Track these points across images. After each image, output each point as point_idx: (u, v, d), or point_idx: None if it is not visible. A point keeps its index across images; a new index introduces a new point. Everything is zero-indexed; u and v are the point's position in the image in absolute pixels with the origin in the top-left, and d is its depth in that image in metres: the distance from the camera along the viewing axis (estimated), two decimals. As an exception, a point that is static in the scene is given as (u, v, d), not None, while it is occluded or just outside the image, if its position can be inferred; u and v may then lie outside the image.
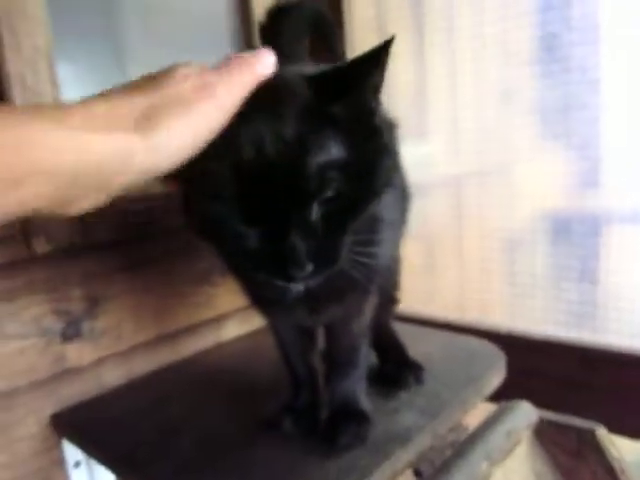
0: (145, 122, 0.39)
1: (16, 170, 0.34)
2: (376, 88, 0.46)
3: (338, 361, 0.68)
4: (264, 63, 0.46)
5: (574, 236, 0.95)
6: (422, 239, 1.18)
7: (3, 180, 0.34)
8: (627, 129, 0.86)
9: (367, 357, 0.70)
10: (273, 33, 0.72)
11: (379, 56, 0.43)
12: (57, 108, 0.39)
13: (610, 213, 0.91)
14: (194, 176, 0.44)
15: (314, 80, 0.45)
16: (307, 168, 0.42)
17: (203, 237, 0.50)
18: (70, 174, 0.36)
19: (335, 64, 0.46)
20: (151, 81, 0.42)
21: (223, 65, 0.44)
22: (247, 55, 0.46)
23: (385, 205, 0.57)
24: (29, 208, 0.36)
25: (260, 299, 0.63)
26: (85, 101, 0.39)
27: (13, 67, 0.72)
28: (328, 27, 0.80)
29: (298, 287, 0.54)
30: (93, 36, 0.89)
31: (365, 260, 0.50)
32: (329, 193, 0.44)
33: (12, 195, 0.34)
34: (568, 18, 0.89)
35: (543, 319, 1.00)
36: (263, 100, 0.44)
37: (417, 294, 1.21)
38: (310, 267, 0.44)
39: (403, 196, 0.76)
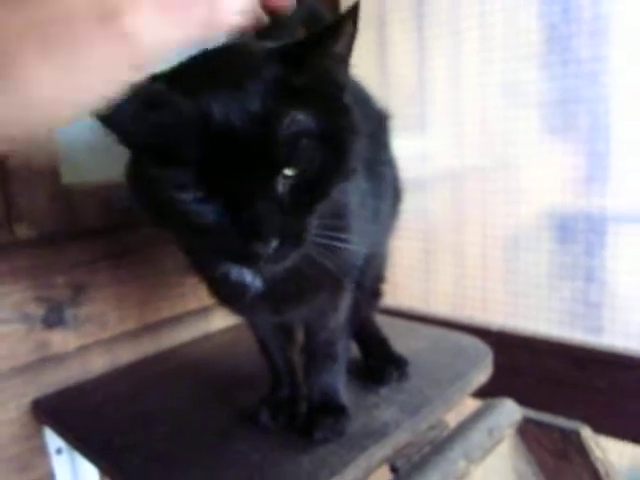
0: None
1: None
2: (342, 59, 0.44)
3: (316, 355, 0.67)
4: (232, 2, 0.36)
5: (578, 234, 0.93)
6: (421, 234, 1.17)
7: None
8: (635, 123, 0.84)
9: (347, 351, 0.70)
10: (266, 28, 0.71)
11: (340, 25, 0.41)
12: None
13: (616, 210, 0.89)
14: (150, 141, 0.40)
15: (278, 51, 0.43)
16: (275, 135, 0.40)
17: (152, 214, 0.47)
18: None
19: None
20: None
21: None
22: None
23: (356, 196, 0.56)
24: None
25: (221, 296, 0.61)
26: None
27: None
28: (323, 24, 0.78)
29: (256, 284, 0.53)
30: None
31: (332, 250, 0.49)
32: (296, 164, 0.42)
33: None
34: (573, 9, 0.87)
35: (544, 318, 0.98)
36: (228, 69, 0.42)
37: (414, 290, 1.20)
38: (275, 243, 0.42)
39: (394, 193, 0.74)
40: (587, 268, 0.93)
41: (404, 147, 1.13)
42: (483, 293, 1.08)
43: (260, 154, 0.40)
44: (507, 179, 1.01)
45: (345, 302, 0.64)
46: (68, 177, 0.80)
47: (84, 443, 0.70)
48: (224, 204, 0.42)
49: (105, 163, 0.84)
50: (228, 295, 0.59)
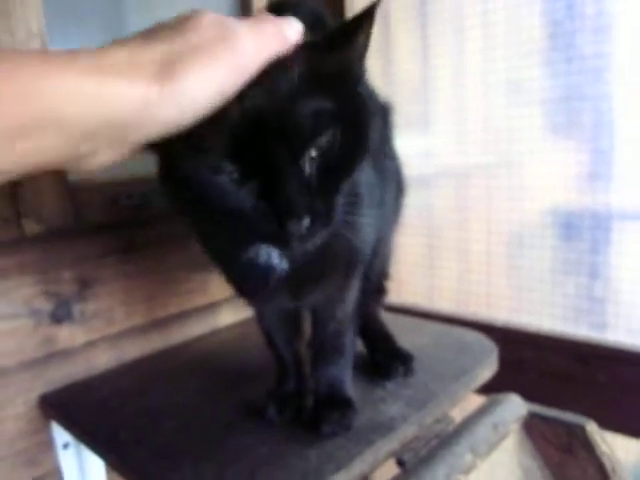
0: (165, 71, 0.36)
1: (21, 118, 0.31)
2: (361, 53, 0.47)
3: (324, 347, 0.67)
4: (294, 29, 0.44)
5: (582, 230, 0.93)
6: (426, 230, 1.17)
7: (7, 129, 0.31)
8: (638, 120, 0.84)
9: (353, 345, 0.70)
10: None
11: (362, 21, 0.44)
12: (68, 53, 0.35)
13: (620, 208, 0.89)
14: (180, 134, 0.41)
15: (304, 44, 0.45)
16: (299, 113, 0.42)
17: (186, 209, 0.49)
18: (81, 125, 0.34)
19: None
20: (171, 28, 0.39)
21: (253, 21, 0.42)
22: (278, 18, 0.43)
23: (366, 185, 0.57)
24: (37, 162, 0.34)
25: (242, 285, 0.61)
26: (100, 48, 0.36)
27: (6, 50, 0.72)
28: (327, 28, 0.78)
29: (282, 266, 0.53)
30: (88, 21, 0.88)
31: (351, 226, 0.51)
32: (322, 139, 0.44)
33: (18, 147, 0.32)
34: (576, 5, 0.87)
35: (548, 314, 0.99)
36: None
37: (419, 286, 1.20)
38: (307, 222, 0.43)
39: (397, 187, 0.75)
40: (591, 264, 0.93)
41: (408, 144, 1.14)
42: (487, 289, 1.08)
43: (286, 131, 0.42)
44: (511, 176, 1.01)
45: (353, 292, 0.65)
46: (75, 174, 0.80)
47: (91, 437, 0.71)
48: (257, 185, 0.43)
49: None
50: (253, 281, 0.58)
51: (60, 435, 0.82)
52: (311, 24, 0.73)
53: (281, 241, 0.45)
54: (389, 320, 0.85)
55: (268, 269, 0.54)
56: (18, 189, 0.75)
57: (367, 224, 0.59)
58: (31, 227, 0.76)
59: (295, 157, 0.43)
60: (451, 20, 1.03)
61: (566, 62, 0.89)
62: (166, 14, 0.41)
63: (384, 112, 0.71)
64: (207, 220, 0.50)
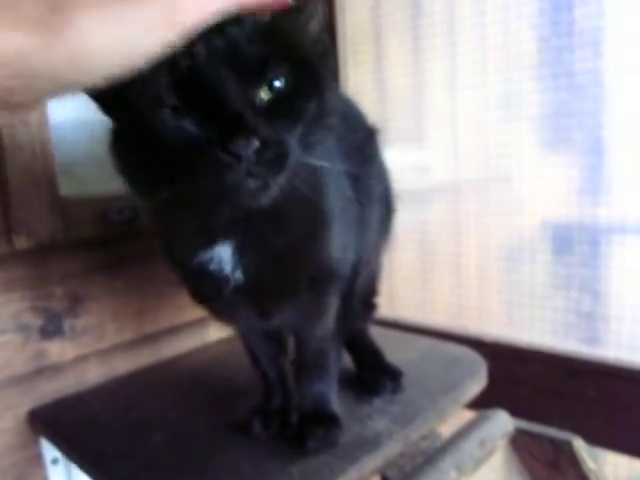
0: (51, 17, 0.30)
1: None
2: (312, 15, 0.48)
3: (307, 365, 0.67)
4: None
5: (575, 245, 0.93)
6: (419, 245, 1.17)
7: None
8: (631, 136, 0.85)
9: (337, 361, 0.70)
10: None
11: None
12: None
13: (613, 222, 0.89)
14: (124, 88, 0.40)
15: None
16: (250, 49, 0.42)
17: (136, 177, 0.47)
18: None
19: None
20: None
21: None
22: None
23: (338, 199, 0.57)
24: None
25: (198, 293, 0.60)
26: None
27: None
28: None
29: (236, 275, 0.52)
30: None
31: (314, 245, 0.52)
32: (271, 75, 0.44)
33: None
34: (566, 22, 0.88)
35: (539, 328, 0.99)
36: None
37: (412, 300, 1.20)
38: (256, 142, 0.40)
39: (386, 207, 0.75)
40: (582, 279, 0.93)
41: (402, 159, 1.15)
42: (479, 303, 1.08)
43: (235, 64, 0.42)
44: (503, 191, 1.01)
45: (332, 309, 0.64)
46: (65, 189, 0.81)
47: (78, 453, 0.70)
48: (201, 113, 0.42)
49: (102, 175, 0.86)
50: (206, 290, 0.58)
51: (49, 450, 0.81)
52: None
53: (230, 168, 0.41)
54: (379, 335, 0.85)
55: (220, 277, 0.53)
56: (9, 204, 0.75)
57: (342, 242, 0.58)
58: (21, 242, 0.76)
59: (245, 85, 0.42)
60: (443, 35, 1.04)
61: (556, 78, 0.90)
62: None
63: (371, 134, 0.72)
64: (157, 185, 0.45)
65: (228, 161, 0.40)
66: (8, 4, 0.30)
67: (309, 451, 0.62)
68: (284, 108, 0.45)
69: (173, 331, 0.97)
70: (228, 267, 0.53)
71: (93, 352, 0.87)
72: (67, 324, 0.83)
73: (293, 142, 0.44)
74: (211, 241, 0.52)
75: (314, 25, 0.48)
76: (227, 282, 0.53)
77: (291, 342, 0.71)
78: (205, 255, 0.52)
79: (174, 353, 0.97)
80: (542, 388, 0.94)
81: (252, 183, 0.42)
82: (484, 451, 0.70)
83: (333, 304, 0.64)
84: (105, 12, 0.31)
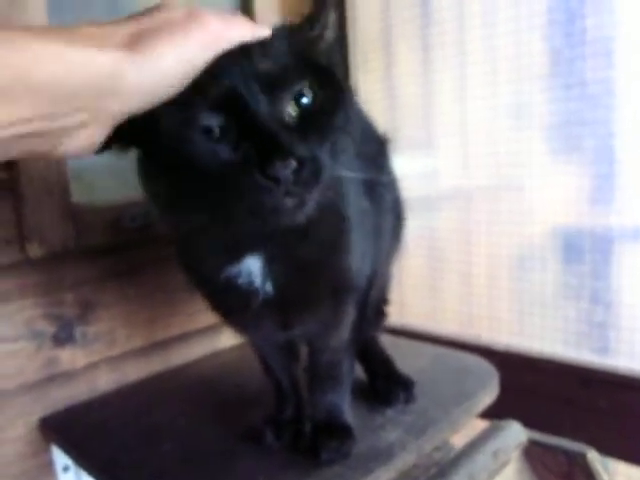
0: (135, 42, 0.38)
1: None
2: (325, 28, 0.49)
3: (320, 376, 0.67)
4: (262, 30, 0.46)
5: (586, 254, 0.93)
6: (428, 252, 1.17)
7: None
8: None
9: (351, 371, 0.70)
10: None
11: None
12: (44, 27, 0.39)
13: (623, 231, 0.89)
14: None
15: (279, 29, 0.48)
16: (274, 63, 0.44)
17: (166, 205, 0.48)
18: (52, 91, 0.35)
19: None
20: (141, 13, 0.42)
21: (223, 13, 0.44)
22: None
23: (356, 210, 0.57)
24: (17, 134, 0.35)
25: (225, 307, 0.60)
26: (71, 26, 0.38)
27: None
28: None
29: (266, 288, 0.52)
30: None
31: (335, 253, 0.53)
32: (297, 87, 0.45)
33: None
34: (577, 32, 0.88)
35: (550, 337, 0.98)
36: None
37: (421, 308, 1.20)
38: (294, 164, 0.40)
39: (397, 216, 0.75)
40: (593, 288, 0.93)
41: (412, 167, 1.15)
42: (489, 312, 1.08)
43: (261, 78, 0.43)
44: (514, 199, 1.01)
45: (348, 319, 0.63)
46: (78, 196, 0.81)
47: (89, 461, 0.71)
48: (236, 134, 0.42)
49: (115, 182, 0.86)
50: (234, 304, 0.57)
51: (60, 458, 0.81)
52: None
53: (268, 191, 0.41)
54: (389, 343, 0.84)
55: (250, 291, 0.53)
56: (22, 212, 0.75)
57: (360, 252, 0.58)
58: (34, 250, 0.76)
59: (274, 104, 0.43)
60: (453, 44, 1.04)
61: (567, 88, 0.90)
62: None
63: (381, 143, 0.72)
64: (189, 209, 0.46)
65: (267, 185, 0.41)
66: (101, 34, 0.37)
67: (323, 462, 0.62)
68: (313, 122, 0.45)
69: (184, 338, 0.97)
70: (258, 280, 0.52)
71: (104, 359, 0.87)
72: (79, 331, 0.84)
73: (325, 156, 0.44)
74: (239, 255, 0.52)
75: (330, 34, 0.49)
76: (256, 295, 0.53)
77: (304, 350, 0.70)
78: (233, 269, 0.52)
79: (185, 360, 0.97)
80: (554, 398, 0.93)
81: (290, 202, 0.42)
82: (497, 463, 0.69)
83: (350, 314, 0.63)
84: (172, 38, 0.39)
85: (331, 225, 0.54)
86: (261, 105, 0.42)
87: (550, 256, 0.98)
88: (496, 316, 1.07)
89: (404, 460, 0.64)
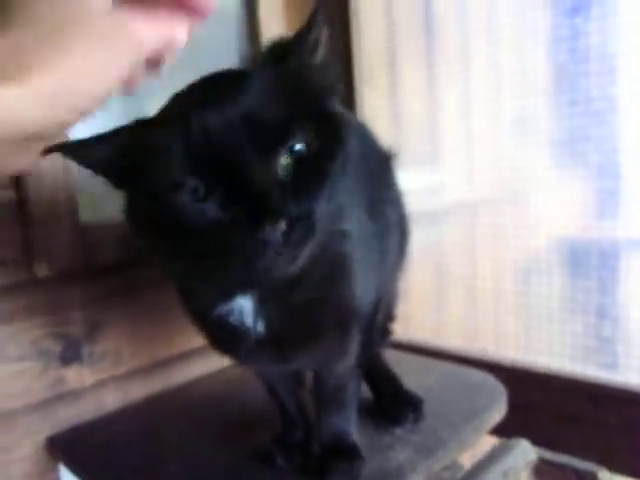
0: (12, 65, 0.30)
1: None
2: (312, 55, 0.46)
3: (325, 400, 0.65)
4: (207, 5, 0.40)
5: (590, 267, 0.93)
6: (433, 266, 1.17)
7: None
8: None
9: (357, 392, 0.68)
10: None
11: (309, 26, 0.44)
12: None
13: (629, 244, 0.89)
14: (138, 156, 0.40)
15: (265, 62, 0.45)
16: (266, 115, 0.41)
17: (155, 249, 0.47)
18: None
19: None
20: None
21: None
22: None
23: (361, 240, 0.56)
24: None
25: (216, 344, 0.59)
26: None
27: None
28: None
29: (257, 329, 0.51)
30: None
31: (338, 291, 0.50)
32: (293, 142, 0.42)
33: None
34: (581, 49, 0.88)
35: (557, 352, 0.98)
36: (213, 87, 0.43)
37: (426, 322, 1.20)
38: (283, 224, 0.39)
39: (401, 233, 0.75)
40: (599, 303, 0.93)
41: (416, 180, 1.15)
42: (495, 326, 1.08)
43: (254, 135, 0.40)
44: (519, 213, 1.01)
45: (353, 346, 0.62)
46: (86, 215, 0.81)
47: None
48: (222, 195, 0.40)
49: (122, 200, 0.86)
50: (226, 342, 0.56)
51: (67, 477, 0.81)
52: None
53: (257, 253, 0.40)
54: (395, 358, 0.84)
55: (242, 330, 0.51)
56: (30, 231, 0.75)
57: (364, 281, 0.57)
58: (42, 269, 0.76)
59: (265, 158, 0.40)
60: (458, 61, 1.05)
61: (571, 104, 0.90)
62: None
63: (386, 158, 0.72)
64: (177, 258, 0.45)
65: (256, 247, 0.40)
66: None
67: (332, 485, 0.61)
68: (308, 171, 0.43)
69: (189, 355, 0.96)
70: (249, 320, 0.51)
71: (110, 378, 0.87)
72: (85, 350, 0.83)
73: (320, 209, 0.43)
74: (230, 294, 0.50)
75: (320, 54, 0.46)
76: (248, 335, 0.52)
77: (309, 374, 0.70)
78: (225, 308, 0.51)
79: (190, 377, 0.97)
80: (562, 414, 0.92)
81: (280, 260, 0.41)
82: (507, 482, 0.69)
83: (355, 340, 0.62)
84: (67, 49, 0.32)
85: (329, 262, 0.52)
86: (249, 159, 0.40)
87: (556, 270, 0.98)
88: (502, 330, 1.07)
89: (414, 481, 0.64)
